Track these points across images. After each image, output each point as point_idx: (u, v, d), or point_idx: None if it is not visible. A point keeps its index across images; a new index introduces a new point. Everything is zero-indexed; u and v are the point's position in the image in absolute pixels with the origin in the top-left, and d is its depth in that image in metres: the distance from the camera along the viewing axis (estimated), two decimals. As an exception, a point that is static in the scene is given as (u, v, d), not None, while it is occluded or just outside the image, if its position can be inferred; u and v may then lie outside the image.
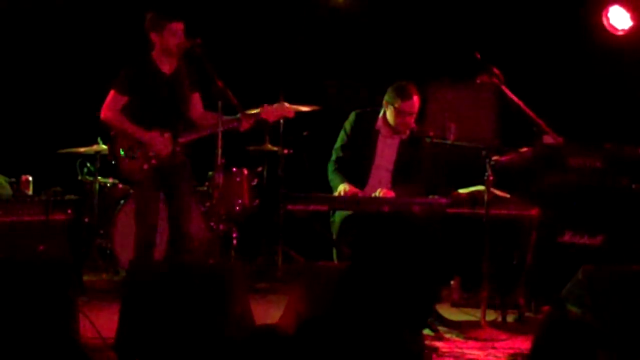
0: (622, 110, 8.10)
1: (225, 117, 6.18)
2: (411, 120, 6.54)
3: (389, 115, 6.56)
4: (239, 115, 6.22)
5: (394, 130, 6.59)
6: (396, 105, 6.49)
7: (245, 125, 6.26)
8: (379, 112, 6.66)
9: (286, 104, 6.59)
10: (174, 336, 4.68)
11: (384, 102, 6.59)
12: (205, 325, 4.70)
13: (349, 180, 6.49)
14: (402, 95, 6.48)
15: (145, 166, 6.21)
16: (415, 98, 6.49)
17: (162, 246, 6.63)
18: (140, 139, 6.18)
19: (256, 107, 6.40)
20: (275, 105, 6.40)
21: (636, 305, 4.81)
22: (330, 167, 6.68)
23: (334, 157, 6.71)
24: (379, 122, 6.65)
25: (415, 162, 6.64)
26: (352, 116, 6.74)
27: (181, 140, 6.26)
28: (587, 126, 7.72)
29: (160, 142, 6.19)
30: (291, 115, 6.55)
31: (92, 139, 7.71)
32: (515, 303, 6.32)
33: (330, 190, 6.59)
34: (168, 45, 6.16)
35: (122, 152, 6.22)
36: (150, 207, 6.24)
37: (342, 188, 6.43)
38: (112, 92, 6.20)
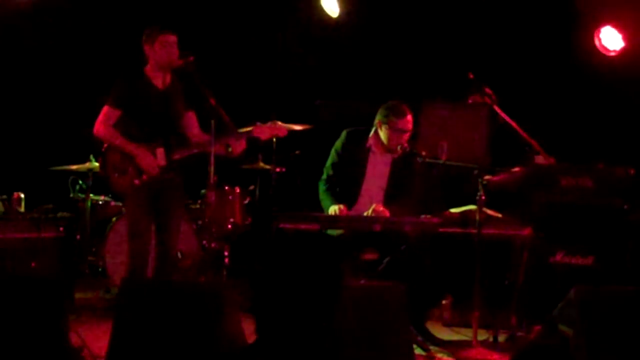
0: (613, 130, 8.12)
1: (218, 137, 6.11)
2: (406, 138, 6.56)
3: (383, 134, 6.57)
4: (230, 139, 6.15)
5: (386, 149, 6.60)
6: (392, 124, 6.51)
7: (238, 149, 6.20)
8: (370, 131, 6.68)
9: (279, 123, 6.47)
10: (165, 355, 4.67)
11: (376, 122, 6.60)
12: (196, 344, 4.68)
13: (340, 197, 6.52)
14: (397, 113, 6.51)
15: (136, 182, 6.15)
16: (409, 116, 6.53)
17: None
18: (131, 154, 6.13)
19: (248, 126, 6.36)
20: (267, 124, 6.31)
21: (628, 325, 4.80)
22: (321, 185, 6.69)
23: (324, 176, 6.73)
24: (370, 141, 6.66)
25: (408, 180, 6.65)
26: (343, 135, 6.77)
27: (174, 156, 6.21)
28: (579, 146, 7.74)
29: (149, 160, 6.13)
30: (283, 134, 6.47)
31: (84, 157, 7.71)
32: (507, 323, 6.30)
33: (322, 209, 6.59)
34: (159, 57, 6.10)
35: (112, 168, 6.19)
36: (142, 224, 6.16)
37: (332, 210, 6.44)
38: (105, 106, 6.17)
